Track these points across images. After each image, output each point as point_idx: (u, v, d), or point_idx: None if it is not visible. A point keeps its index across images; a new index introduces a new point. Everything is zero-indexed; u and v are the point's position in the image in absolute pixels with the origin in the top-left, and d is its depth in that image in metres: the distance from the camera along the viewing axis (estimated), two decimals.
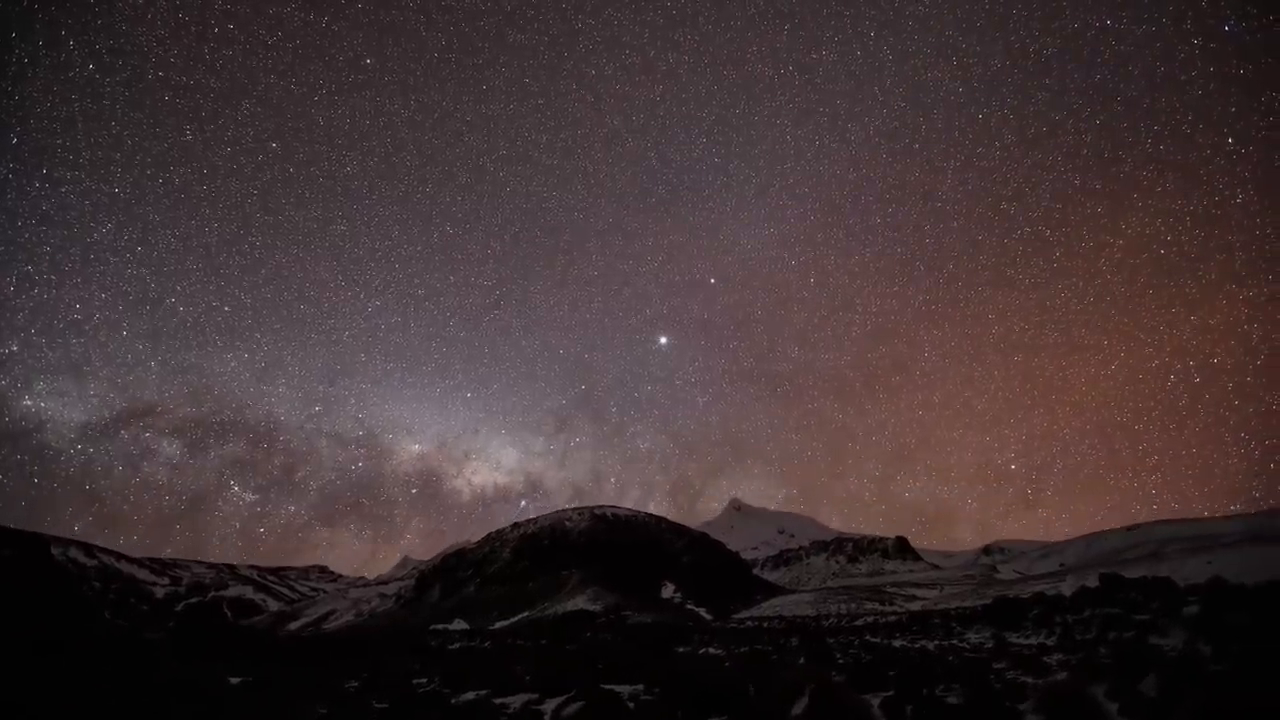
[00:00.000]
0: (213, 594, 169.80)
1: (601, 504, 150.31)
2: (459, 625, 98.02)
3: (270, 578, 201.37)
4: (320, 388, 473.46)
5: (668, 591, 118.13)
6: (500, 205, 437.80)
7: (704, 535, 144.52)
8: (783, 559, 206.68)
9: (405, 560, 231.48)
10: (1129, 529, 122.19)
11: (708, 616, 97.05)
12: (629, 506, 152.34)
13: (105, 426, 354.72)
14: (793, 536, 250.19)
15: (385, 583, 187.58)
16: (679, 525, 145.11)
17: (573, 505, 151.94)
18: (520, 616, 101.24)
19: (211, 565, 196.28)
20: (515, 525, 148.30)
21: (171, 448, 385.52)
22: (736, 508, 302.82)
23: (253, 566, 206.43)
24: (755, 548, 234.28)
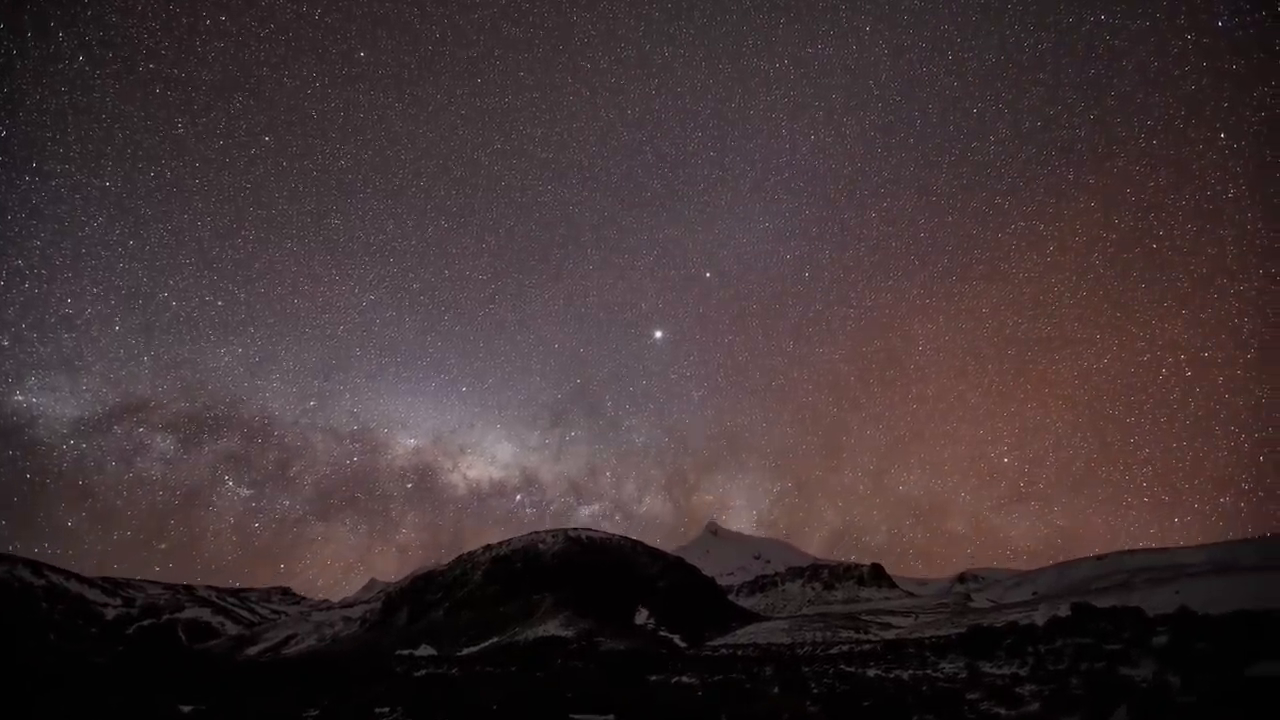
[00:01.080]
0: (167, 616, 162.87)
1: (576, 526, 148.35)
2: (426, 651, 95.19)
3: (229, 599, 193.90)
4: (315, 383, 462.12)
5: (641, 617, 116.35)
6: (495, 199, 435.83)
7: (679, 560, 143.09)
8: (758, 585, 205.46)
9: (372, 582, 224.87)
10: (1100, 558, 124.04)
11: (682, 644, 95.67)
12: (604, 529, 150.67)
13: (98, 422, 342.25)
14: (769, 562, 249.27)
15: (350, 605, 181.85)
16: (654, 549, 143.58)
17: (546, 528, 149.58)
18: (490, 642, 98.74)
19: (168, 586, 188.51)
20: (487, 547, 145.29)
21: (165, 443, 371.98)
22: (713, 531, 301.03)
23: (211, 587, 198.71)
24: (731, 573, 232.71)
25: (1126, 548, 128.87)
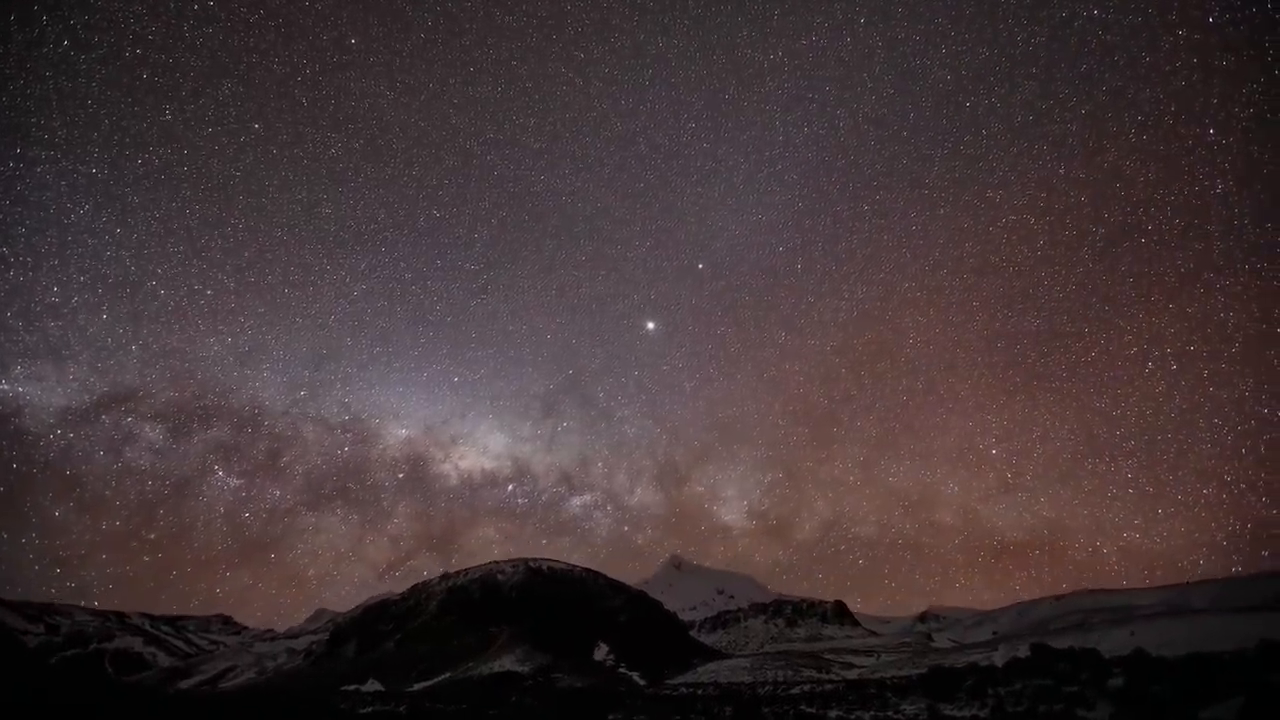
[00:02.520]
0: (95, 646, 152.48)
1: (537, 557, 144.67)
2: (373, 687, 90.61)
3: (164, 628, 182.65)
4: (305, 372, 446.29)
5: (601, 652, 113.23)
6: (488, 189, 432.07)
7: (642, 594, 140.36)
8: (721, 620, 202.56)
9: (320, 612, 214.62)
10: (1058, 598, 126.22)
11: (641, 681, 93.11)
12: (565, 561, 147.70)
13: (85, 411, 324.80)
14: (732, 598, 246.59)
15: (296, 636, 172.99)
16: (616, 581, 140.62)
17: (506, 558, 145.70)
18: (443, 677, 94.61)
19: (97, 613, 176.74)
20: (444, 576, 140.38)
21: (154, 433, 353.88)
22: (676, 565, 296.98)
23: (145, 615, 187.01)
24: (693, 608, 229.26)
25: (1087, 588, 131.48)
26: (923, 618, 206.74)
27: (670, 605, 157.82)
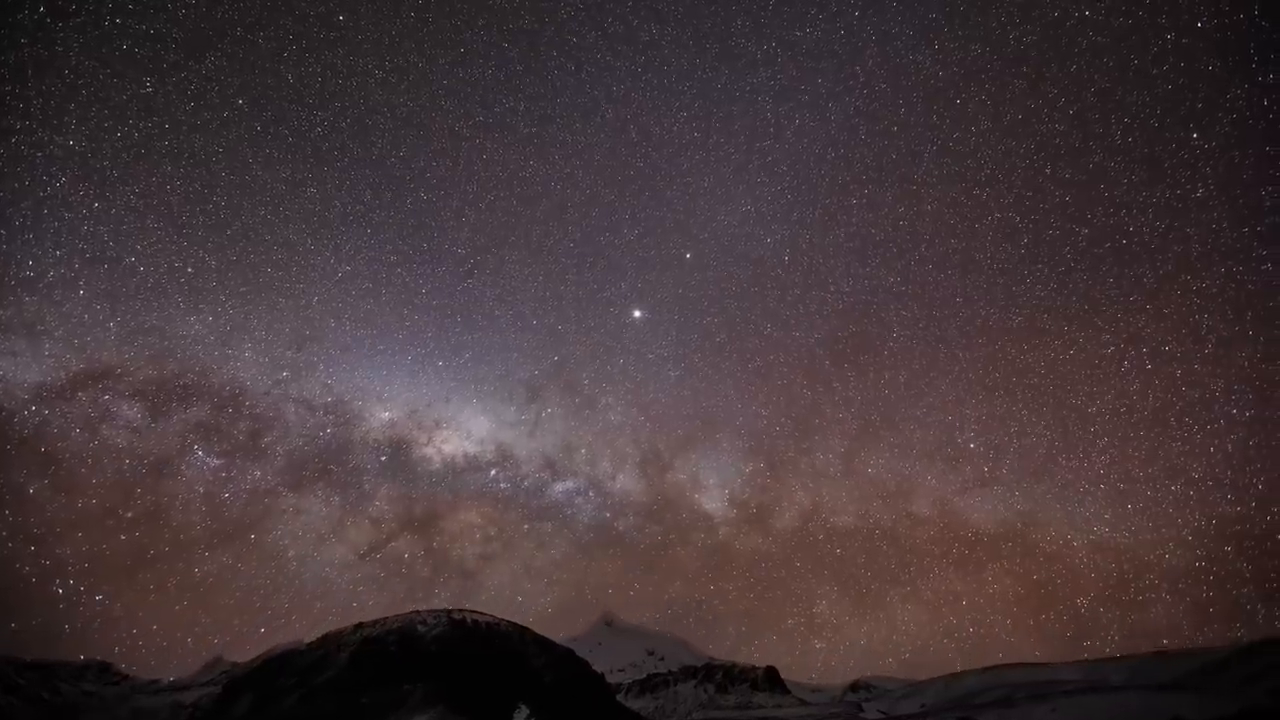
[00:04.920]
0: None
1: (463, 607, 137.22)
2: None
3: (26, 675, 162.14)
4: (288, 353, 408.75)
5: (521, 716, 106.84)
6: (476, 173, 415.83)
7: (569, 652, 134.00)
8: (650, 684, 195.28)
9: (217, 660, 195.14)
10: (985, 670, 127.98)
11: None
12: (490, 613, 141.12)
13: (61, 388, 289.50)
14: (662, 659, 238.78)
15: (184, 688, 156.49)
16: (544, 638, 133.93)
17: (426, 607, 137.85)
18: None
19: None
20: (358, 626, 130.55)
21: (132, 411, 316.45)
22: (608, 623, 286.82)
23: (9, 659, 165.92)
24: (623, 669, 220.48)
25: (1005, 661, 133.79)
26: (854, 687, 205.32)
27: (599, 666, 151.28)
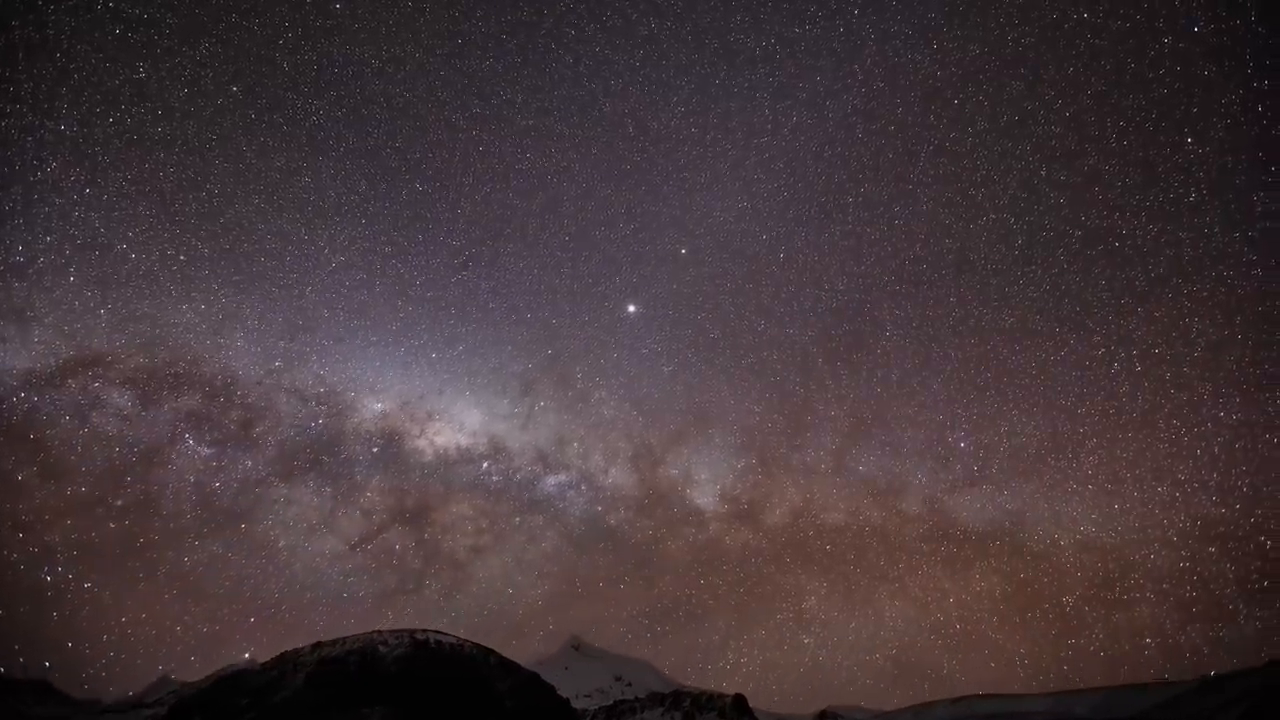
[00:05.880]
0: None
1: (426, 629, 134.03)
2: None
3: None
4: (280, 343, 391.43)
5: None
6: (472, 165, 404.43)
7: (535, 676, 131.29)
8: (616, 711, 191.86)
9: (163, 679, 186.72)
10: (954, 701, 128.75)
11: None
12: (453, 635, 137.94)
13: (51, 375, 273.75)
14: (629, 685, 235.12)
15: (127, 709, 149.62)
16: (509, 661, 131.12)
17: (389, 627, 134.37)
18: None
19: None
20: (316, 645, 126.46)
21: (122, 399, 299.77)
22: (575, 646, 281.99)
23: None
24: (589, 695, 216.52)
25: (978, 692, 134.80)
26: (822, 715, 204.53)
27: (565, 691, 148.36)
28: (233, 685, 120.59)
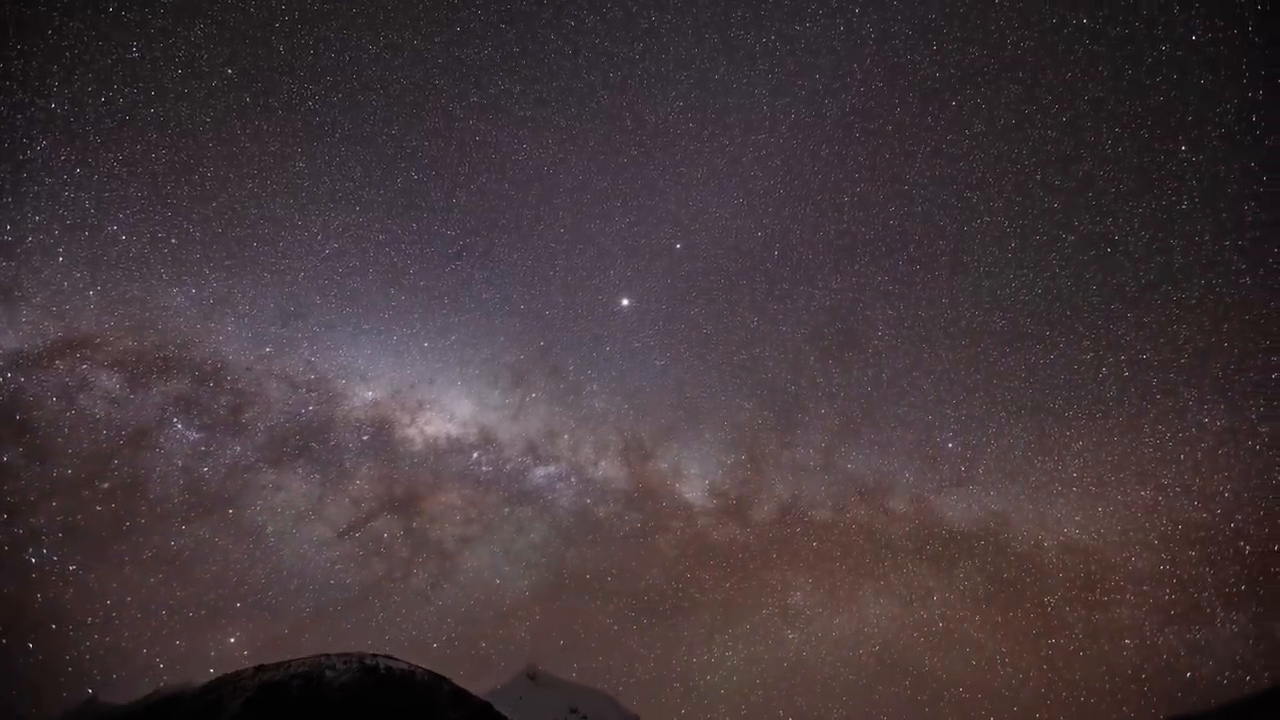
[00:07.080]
0: None
1: (377, 653, 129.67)
2: None
3: None
4: (271, 329, 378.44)
5: None
6: (468, 154, 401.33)
7: (487, 706, 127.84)
8: None
9: (91, 702, 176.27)
10: None
11: None
12: (405, 661, 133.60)
13: (38, 356, 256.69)
14: (585, 717, 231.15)
15: None
16: (461, 690, 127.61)
17: (338, 651, 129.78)
18: None
19: None
20: (259, 668, 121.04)
21: (110, 381, 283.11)
22: (530, 675, 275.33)
23: None
24: None
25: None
26: None
27: None
28: (166, 708, 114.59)
